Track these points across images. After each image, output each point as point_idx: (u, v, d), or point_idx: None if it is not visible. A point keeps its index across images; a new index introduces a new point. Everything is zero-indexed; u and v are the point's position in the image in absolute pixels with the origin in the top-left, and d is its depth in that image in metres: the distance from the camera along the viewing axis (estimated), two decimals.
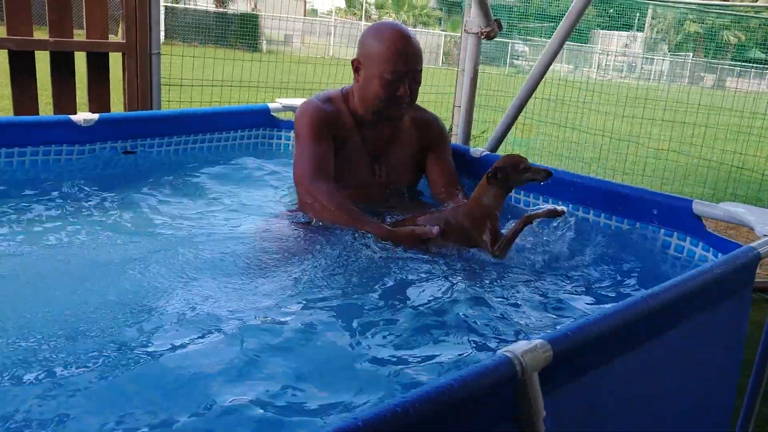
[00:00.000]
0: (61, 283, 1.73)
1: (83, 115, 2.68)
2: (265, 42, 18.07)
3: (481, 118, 6.64)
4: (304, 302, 1.56)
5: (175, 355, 1.32)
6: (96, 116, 2.70)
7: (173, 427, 1.10)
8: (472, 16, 2.88)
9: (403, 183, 2.38)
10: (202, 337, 1.39)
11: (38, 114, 3.35)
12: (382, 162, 2.32)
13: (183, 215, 2.34)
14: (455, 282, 1.66)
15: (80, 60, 3.42)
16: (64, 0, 3.28)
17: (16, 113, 3.24)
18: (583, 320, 1.18)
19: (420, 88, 2.22)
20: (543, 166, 1.91)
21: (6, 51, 3.18)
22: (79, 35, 3.43)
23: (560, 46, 2.75)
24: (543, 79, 2.94)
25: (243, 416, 1.14)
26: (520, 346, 1.08)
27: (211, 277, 1.70)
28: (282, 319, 1.47)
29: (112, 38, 3.52)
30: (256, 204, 2.54)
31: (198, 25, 16.43)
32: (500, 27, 2.83)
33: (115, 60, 3.51)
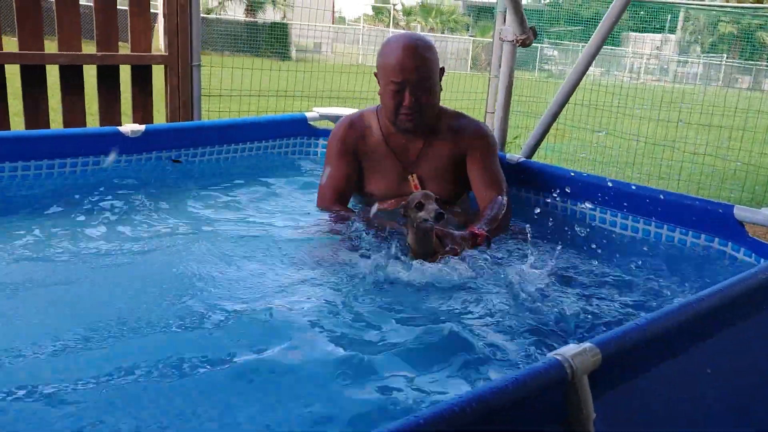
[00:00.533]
0: (112, 286, 1.81)
1: (131, 126, 2.79)
2: (294, 50, 18.29)
3: (512, 124, 6.63)
4: (350, 308, 1.60)
5: (225, 351, 1.39)
6: (143, 127, 2.81)
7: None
8: (508, 24, 2.91)
9: (442, 193, 2.31)
10: (249, 339, 1.45)
11: (86, 126, 3.48)
12: (416, 172, 2.34)
13: (226, 222, 2.41)
14: (498, 289, 1.70)
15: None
16: (111, 17, 3.41)
17: (65, 125, 3.37)
18: (630, 324, 1.20)
19: (441, 95, 2.24)
20: (435, 207, 1.78)
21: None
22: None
23: (597, 50, 2.76)
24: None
25: (308, 415, 1.19)
26: (570, 349, 1.11)
27: (253, 282, 1.76)
28: (332, 320, 1.52)
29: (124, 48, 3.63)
30: (295, 211, 2.59)
31: (229, 34, 16.71)
32: (535, 34, 2.86)
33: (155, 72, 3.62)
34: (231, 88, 4.70)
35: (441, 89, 2.28)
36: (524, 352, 1.38)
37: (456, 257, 1.85)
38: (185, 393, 1.27)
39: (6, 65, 3.18)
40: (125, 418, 1.18)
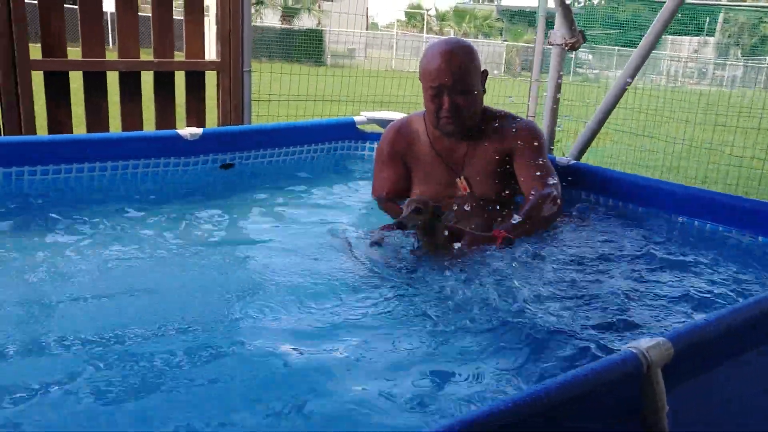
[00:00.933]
0: (167, 284, 1.88)
1: (189, 130, 2.89)
2: (329, 56, 18.49)
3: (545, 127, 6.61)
4: (415, 306, 1.65)
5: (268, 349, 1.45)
6: (200, 131, 2.91)
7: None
8: (556, 28, 2.93)
9: (490, 194, 2.39)
10: (297, 338, 1.50)
11: (142, 129, 3.60)
12: (463, 175, 2.38)
13: (277, 223, 2.47)
14: (567, 284, 1.74)
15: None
16: (168, 25, 3.54)
17: (123, 130, 3.50)
18: (702, 320, 1.23)
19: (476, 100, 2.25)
20: (403, 216, 1.90)
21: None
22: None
23: (648, 53, 2.77)
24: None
25: (375, 409, 1.24)
26: (645, 342, 1.14)
27: (301, 286, 1.80)
28: (394, 321, 1.58)
29: (178, 55, 3.75)
30: (343, 213, 2.64)
31: (264, 41, 16.97)
32: (584, 38, 2.87)
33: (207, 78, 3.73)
34: (279, 93, 4.81)
35: (484, 92, 2.32)
36: (588, 345, 1.41)
37: (478, 252, 1.92)
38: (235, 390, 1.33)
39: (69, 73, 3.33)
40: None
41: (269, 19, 21.42)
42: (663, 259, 1.97)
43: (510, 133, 2.32)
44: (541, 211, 2.17)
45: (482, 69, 2.29)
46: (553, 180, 2.29)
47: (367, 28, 22.73)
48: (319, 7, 22.38)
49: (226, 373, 1.37)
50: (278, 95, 4.78)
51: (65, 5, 3.31)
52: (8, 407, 1.22)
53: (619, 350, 1.15)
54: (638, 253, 2.00)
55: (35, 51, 3.21)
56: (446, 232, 1.98)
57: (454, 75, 2.16)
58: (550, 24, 6.07)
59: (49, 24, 3.21)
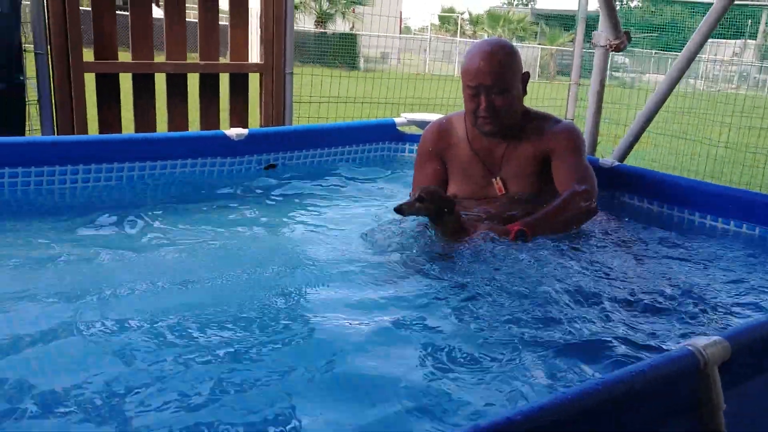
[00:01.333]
0: (211, 276, 1.92)
1: (236, 131, 2.96)
2: (362, 60, 18.59)
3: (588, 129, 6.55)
4: (469, 301, 1.67)
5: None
6: (246, 131, 2.98)
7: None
8: (600, 29, 2.92)
9: (525, 195, 2.38)
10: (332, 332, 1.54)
11: (188, 129, 3.70)
12: (500, 175, 2.38)
13: (317, 222, 2.51)
14: (622, 284, 1.75)
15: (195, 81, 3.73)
16: (213, 29, 3.63)
17: (170, 130, 3.59)
18: (758, 320, 1.23)
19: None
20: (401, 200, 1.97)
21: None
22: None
23: (693, 56, 2.74)
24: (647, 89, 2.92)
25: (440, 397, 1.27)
26: (701, 340, 1.15)
27: (339, 282, 1.84)
28: (445, 318, 1.60)
29: (221, 59, 3.83)
30: (381, 214, 2.65)
31: (299, 45, 17.16)
32: (629, 39, 2.86)
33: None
34: (318, 96, 4.88)
35: (524, 93, 2.32)
36: (639, 344, 1.42)
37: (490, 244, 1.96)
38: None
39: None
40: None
41: (303, 23, 21.65)
42: (711, 260, 1.95)
43: (549, 134, 2.31)
44: (565, 211, 2.17)
45: (523, 71, 2.30)
46: (588, 182, 2.27)
47: (400, 32, 22.79)
48: (354, 11, 22.53)
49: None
50: (318, 97, 4.85)
51: (116, 11, 3.43)
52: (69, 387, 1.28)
53: (674, 348, 1.15)
54: (685, 255, 1.99)
55: (88, 55, 3.33)
56: (459, 226, 2.02)
57: (493, 75, 2.17)
58: (590, 27, 6.03)
59: (101, 28, 3.32)
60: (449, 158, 2.44)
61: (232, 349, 1.44)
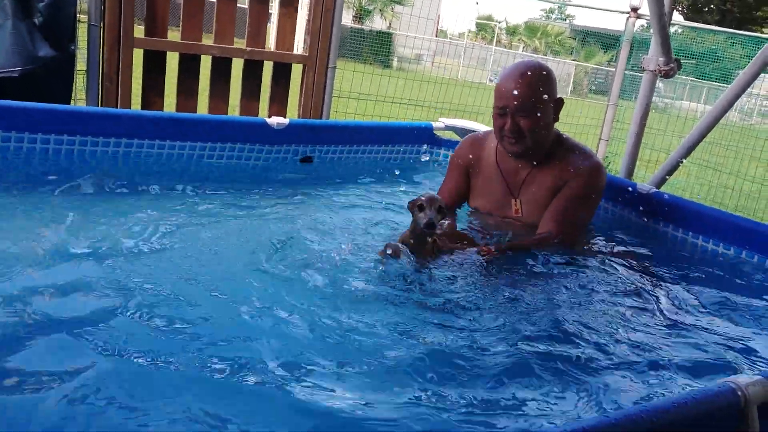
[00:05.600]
0: (238, 260, 1.95)
1: (277, 119, 2.98)
2: (396, 59, 18.59)
3: (618, 151, 6.52)
4: (494, 320, 1.68)
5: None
6: (287, 121, 3.00)
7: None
8: (651, 53, 2.90)
9: (538, 222, 2.33)
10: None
11: (227, 113, 3.73)
12: (519, 197, 2.37)
13: (343, 218, 2.50)
14: (660, 315, 1.74)
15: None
16: (262, 16, 3.66)
17: (210, 112, 3.63)
18: None
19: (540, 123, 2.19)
20: (430, 216, 1.82)
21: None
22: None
23: (743, 90, 2.71)
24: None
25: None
26: (744, 378, 1.14)
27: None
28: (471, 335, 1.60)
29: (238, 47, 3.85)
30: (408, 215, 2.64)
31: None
32: (679, 66, 2.84)
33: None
34: (349, 90, 4.91)
35: (555, 119, 2.27)
36: (691, 378, 1.41)
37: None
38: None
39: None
40: None
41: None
42: (748, 297, 1.94)
43: (572, 168, 2.27)
44: (530, 245, 2.18)
45: (557, 97, 2.27)
46: (568, 233, 2.23)
47: (436, 35, 22.75)
48: (392, 9, 22.54)
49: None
50: (357, 94, 4.87)
51: None
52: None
53: (716, 384, 1.15)
54: (725, 289, 1.97)
55: (138, 31, 3.37)
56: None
57: (520, 98, 2.16)
58: (633, 49, 5.98)
59: (154, 6, 3.37)
60: (476, 171, 2.47)
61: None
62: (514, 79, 2.17)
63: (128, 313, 1.50)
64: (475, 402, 1.30)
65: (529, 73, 2.19)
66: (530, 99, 2.17)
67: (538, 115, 2.18)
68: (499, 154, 2.39)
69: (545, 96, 2.20)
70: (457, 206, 2.54)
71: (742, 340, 1.64)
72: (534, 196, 2.32)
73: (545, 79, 2.21)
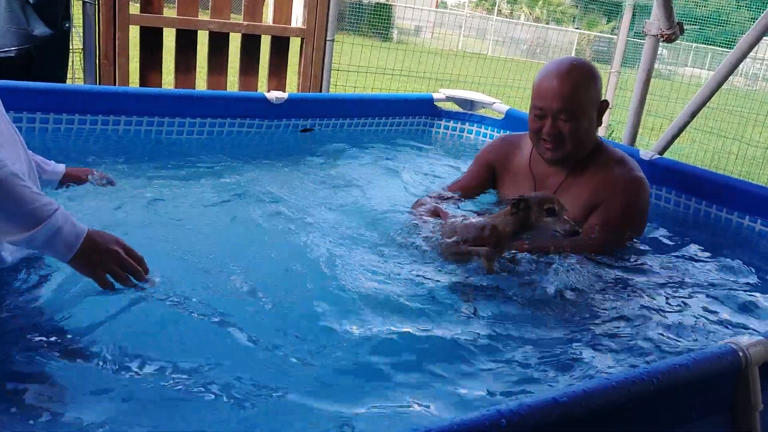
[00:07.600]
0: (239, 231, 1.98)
1: (275, 93, 2.96)
2: (396, 32, 18.37)
3: (620, 119, 6.47)
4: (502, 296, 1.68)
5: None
6: (286, 95, 2.98)
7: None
8: (653, 18, 2.85)
9: None
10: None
11: (226, 89, 3.71)
12: None
13: (345, 189, 2.48)
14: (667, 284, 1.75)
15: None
16: None
17: (208, 87, 3.61)
18: None
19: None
20: (573, 224, 1.70)
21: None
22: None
23: (746, 53, 2.67)
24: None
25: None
26: (745, 339, 1.15)
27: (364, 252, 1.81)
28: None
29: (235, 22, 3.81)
30: (411, 188, 2.63)
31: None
32: (682, 30, 2.79)
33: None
34: (349, 64, 4.87)
35: (599, 124, 2.07)
36: (693, 339, 1.42)
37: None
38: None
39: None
40: None
41: None
42: (750, 261, 1.94)
43: (609, 185, 2.01)
44: (556, 248, 1.88)
45: (602, 99, 2.06)
46: (606, 244, 1.96)
47: (436, 6, 22.45)
48: None
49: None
50: (357, 66, 4.83)
51: None
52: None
53: (716, 345, 1.16)
54: (723, 258, 1.97)
55: (134, 8, 3.34)
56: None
57: (564, 99, 1.94)
58: (635, 16, 5.89)
59: None
60: (503, 171, 2.28)
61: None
62: (556, 80, 1.95)
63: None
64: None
65: (573, 71, 1.96)
66: (574, 101, 1.94)
67: (581, 119, 1.97)
68: (534, 157, 2.18)
69: (590, 98, 1.98)
70: (466, 198, 2.34)
71: (743, 303, 1.65)
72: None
73: (590, 78, 1.99)
